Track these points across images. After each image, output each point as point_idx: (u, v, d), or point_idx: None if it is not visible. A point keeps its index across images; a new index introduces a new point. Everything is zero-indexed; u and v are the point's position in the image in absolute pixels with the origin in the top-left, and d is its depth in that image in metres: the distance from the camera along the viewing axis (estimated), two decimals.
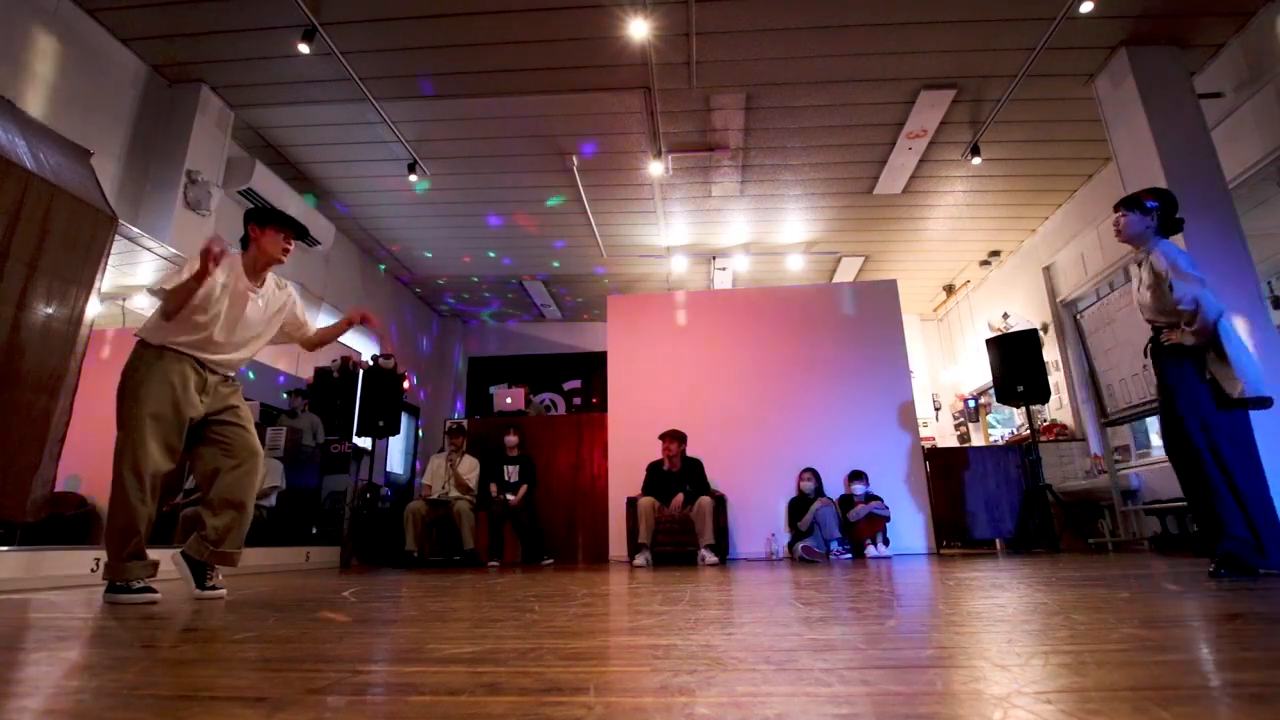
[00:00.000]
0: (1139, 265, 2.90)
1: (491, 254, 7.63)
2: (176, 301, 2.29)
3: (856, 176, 6.13)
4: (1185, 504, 4.54)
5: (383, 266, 7.89)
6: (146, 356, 2.33)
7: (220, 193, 4.89)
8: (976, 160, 5.63)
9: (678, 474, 5.20)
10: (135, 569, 2.22)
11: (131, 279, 4.68)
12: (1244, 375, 2.54)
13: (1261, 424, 2.72)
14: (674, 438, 5.25)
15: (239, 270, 2.49)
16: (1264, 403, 2.57)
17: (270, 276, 2.61)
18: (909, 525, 5.45)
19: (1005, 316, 7.50)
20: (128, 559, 2.21)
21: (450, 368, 9.59)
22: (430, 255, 7.64)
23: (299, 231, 2.62)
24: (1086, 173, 6.06)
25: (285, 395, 5.59)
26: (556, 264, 7.95)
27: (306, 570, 4.79)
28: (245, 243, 2.56)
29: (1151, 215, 2.88)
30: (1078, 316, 6.63)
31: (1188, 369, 2.66)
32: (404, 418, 7.50)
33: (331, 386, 6.27)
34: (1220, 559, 2.51)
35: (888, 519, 5.21)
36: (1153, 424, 5.79)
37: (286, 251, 2.57)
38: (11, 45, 3.69)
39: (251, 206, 2.58)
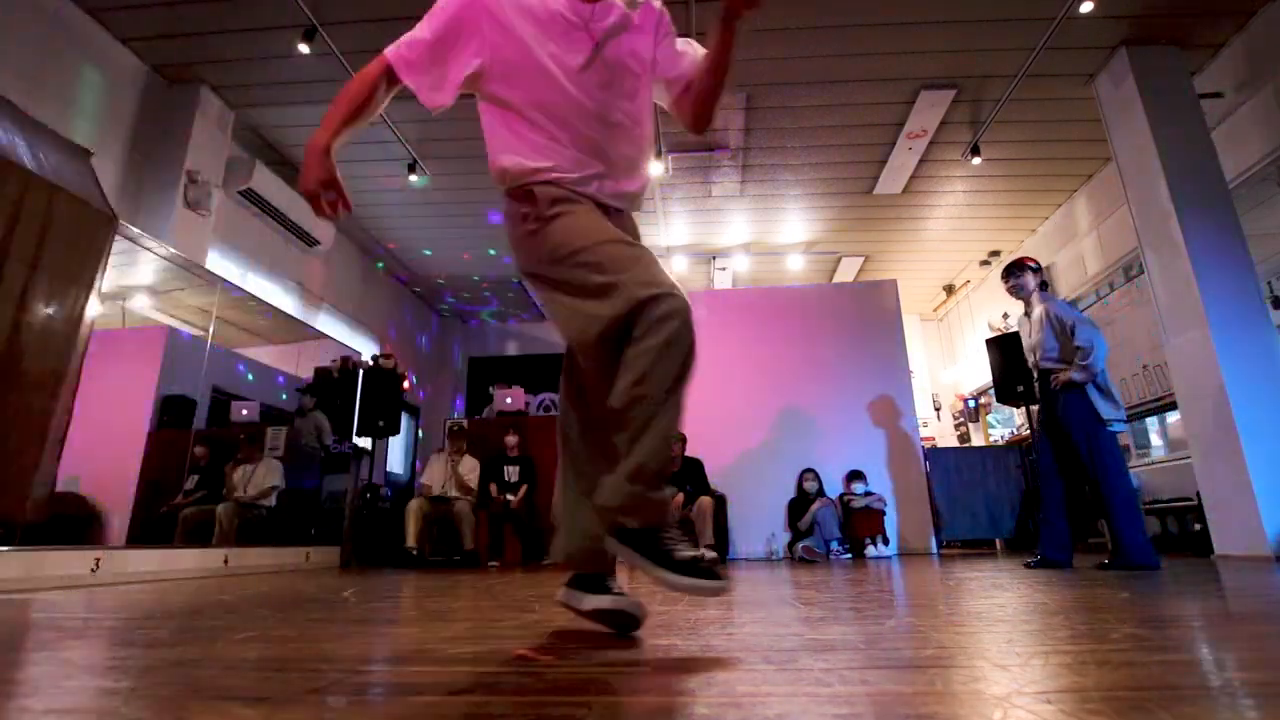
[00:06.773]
0: (1027, 316, 3.55)
1: (492, 252, 7.62)
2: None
3: (856, 176, 6.13)
4: (1184, 504, 4.56)
5: (380, 264, 7.88)
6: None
7: (220, 193, 4.89)
8: (976, 160, 5.63)
9: (677, 474, 5.20)
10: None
11: (131, 279, 4.68)
12: (1117, 404, 3.23)
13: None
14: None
15: None
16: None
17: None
18: (909, 525, 5.45)
19: (1005, 316, 7.49)
20: None
21: (450, 367, 9.58)
22: (430, 254, 7.64)
23: None
24: (1086, 173, 6.06)
25: (298, 390, 5.56)
26: None
27: (306, 570, 4.79)
28: None
29: (1036, 275, 3.52)
30: None
31: (1079, 401, 3.22)
32: (404, 418, 7.49)
33: (331, 386, 6.26)
34: (1115, 559, 3.05)
35: (883, 511, 5.24)
36: (1152, 424, 5.78)
37: None
38: (12, 46, 3.69)
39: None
